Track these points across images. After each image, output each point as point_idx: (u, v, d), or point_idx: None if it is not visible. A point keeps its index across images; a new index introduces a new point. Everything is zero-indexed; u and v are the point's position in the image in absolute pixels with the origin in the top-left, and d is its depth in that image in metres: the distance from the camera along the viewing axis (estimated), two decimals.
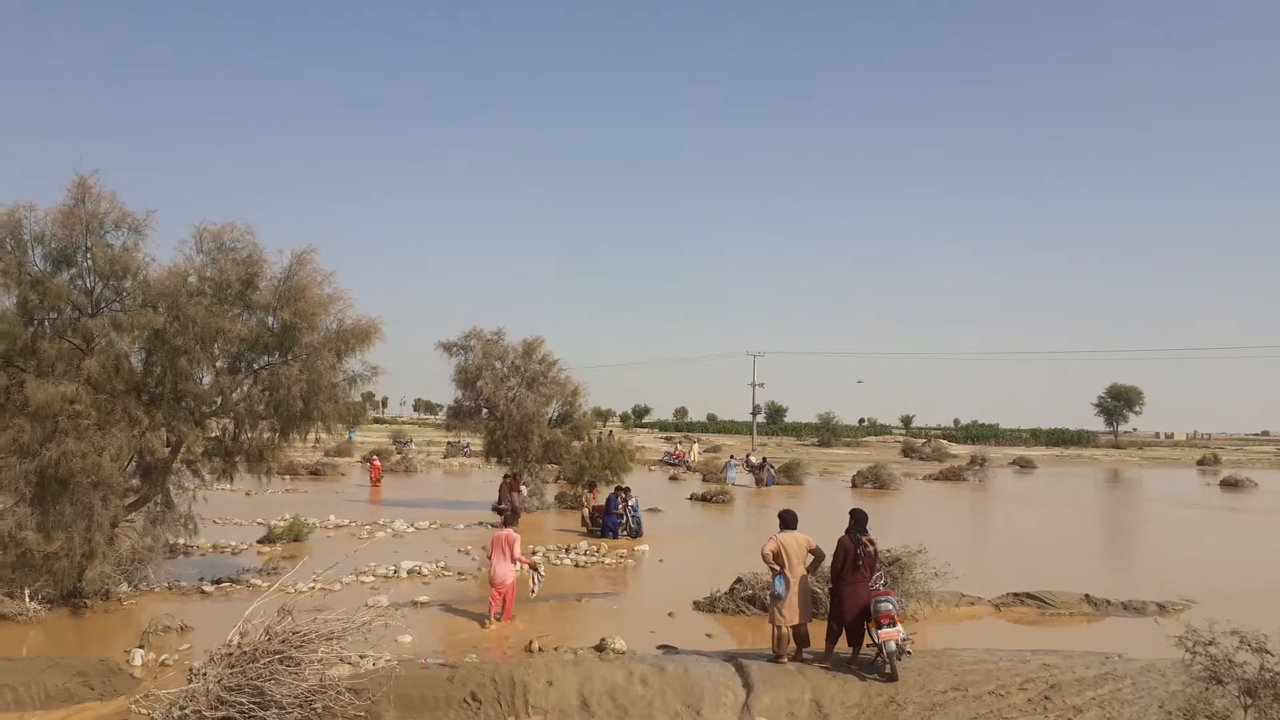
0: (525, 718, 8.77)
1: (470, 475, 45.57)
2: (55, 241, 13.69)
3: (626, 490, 23.35)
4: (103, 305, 14.21)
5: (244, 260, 14.55)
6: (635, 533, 22.54)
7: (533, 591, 13.99)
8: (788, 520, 10.72)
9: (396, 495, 33.23)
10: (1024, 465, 65.61)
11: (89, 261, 13.92)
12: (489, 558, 13.37)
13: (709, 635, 12.49)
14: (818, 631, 10.75)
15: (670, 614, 13.88)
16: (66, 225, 13.56)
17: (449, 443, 63.29)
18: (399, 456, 50.59)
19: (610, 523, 22.52)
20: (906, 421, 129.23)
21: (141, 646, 11.21)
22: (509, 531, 13.42)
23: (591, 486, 24.86)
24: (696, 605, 14.29)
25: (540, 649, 11.15)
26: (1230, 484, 48.46)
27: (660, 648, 11.37)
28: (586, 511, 23.69)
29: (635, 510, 22.86)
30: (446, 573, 17.11)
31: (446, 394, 31.10)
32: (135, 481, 14.70)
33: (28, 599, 12.81)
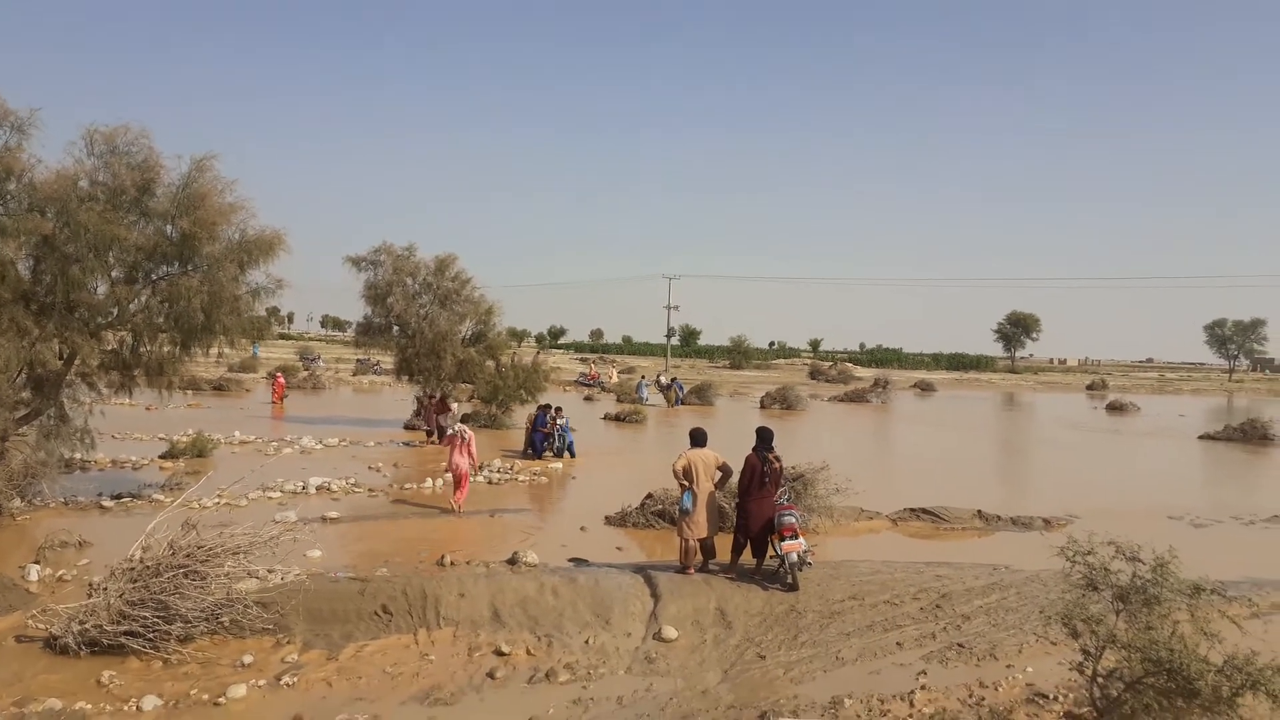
0: (436, 629, 8.88)
1: (380, 393, 44.96)
2: None
3: (557, 409, 23.02)
4: None
5: (139, 165, 13.79)
6: (560, 452, 22.26)
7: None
8: (697, 438, 10.96)
9: (304, 413, 32.61)
10: (925, 388, 68.11)
11: None
12: (450, 454, 15.42)
13: (619, 549, 12.79)
14: (724, 544, 11.12)
15: (582, 528, 14.12)
16: None
17: (358, 360, 62.13)
18: (306, 374, 49.51)
19: (537, 440, 22.26)
20: (815, 345, 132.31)
21: (37, 562, 10.91)
22: (465, 429, 15.73)
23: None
24: (608, 520, 14.57)
25: (453, 563, 11.25)
26: (1116, 408, 51.20)
27: (571, 560, 11.60)
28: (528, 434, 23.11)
29: (565, 430, 22.51)
30: (357, 489, 17.00)
31: (355, 310, 30.44)
32: (26, 394, 14.06)
33: None
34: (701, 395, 44.45)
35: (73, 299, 13.54)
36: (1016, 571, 11.64)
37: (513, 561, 11.22)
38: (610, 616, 9.32)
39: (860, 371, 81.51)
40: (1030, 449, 31.58)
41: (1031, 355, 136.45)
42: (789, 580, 10.18)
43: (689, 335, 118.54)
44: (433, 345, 27.33)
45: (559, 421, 22.54)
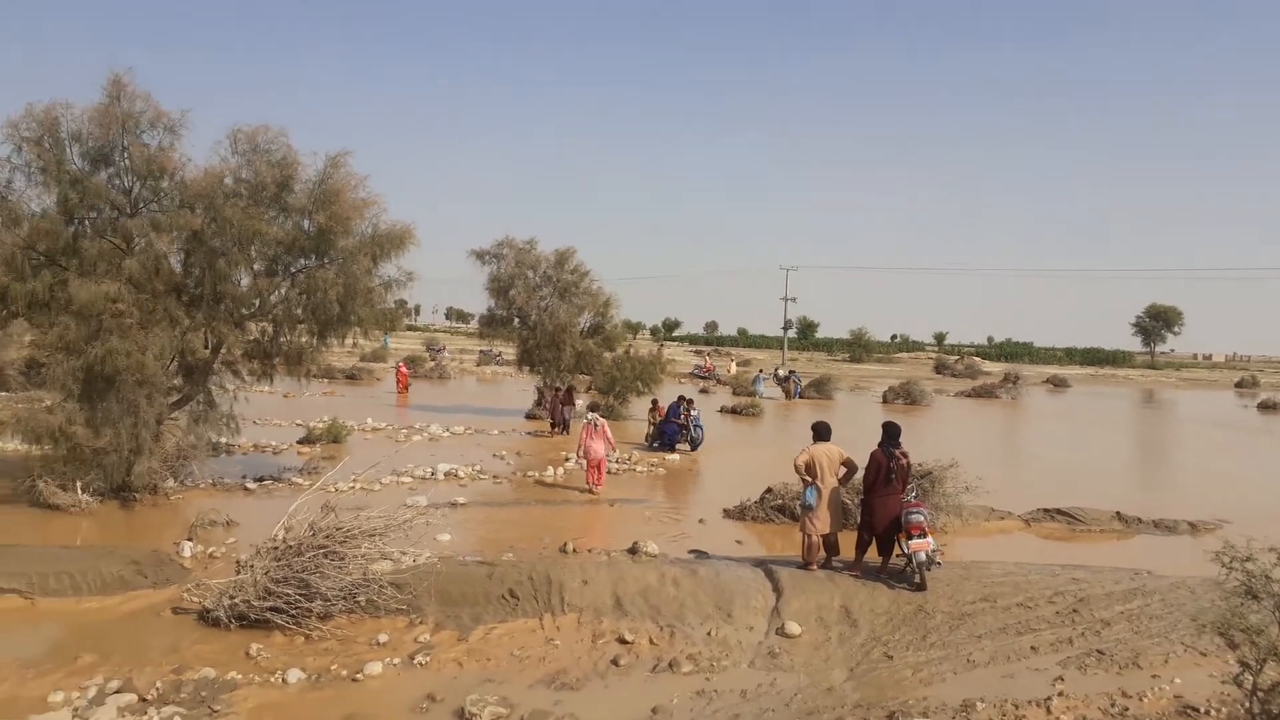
0: (560, 615, 9.00)
1: (502, 383, 46.02)
2: (93, 140, 13.68)
3: (690, 402, 22.71)
4: (141, 205, 14.26)
5: (278, 162, 14.47)
6: (695, 444, 21.89)
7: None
8: (821, 432, 10.75)
9: (430, 401, 33.67)
10: (1058, 384, 65.14)
11: (126, 161, 13.92)
12: (583, 440, 16.28)
13: (739, 542, 12.69)
14: (846, 541, 10.89)
15: (700, 521, 14.09)
16: (103, 123, 13.53)
17: (480, 351, 63.76)
18: (432, 363, 51.12)
19: (669, 431, 21.84)
20: (940, 338, 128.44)
21: (190, 539, 11.58)
22: (597, 416, 16.88)
23: (655, 404, 23.93)
24: (726, 513, 14.49)
25: (575, 550, 11.38)
26: (1268, 406, 47.85)
27: (691, 552, 11.57)
28: (650, 428, 22.95)
29: (697, 421, 22.11)
30: (482, 476, 17.43)
31: (479, 303, 31.25)
32: (178, 381, 14.99)
33: (80, 492, 13.23)
34: (820, 389, 43.76)
35: (219, 291, 14.33)
36: (1160, 577, 10.96)
37: (633, 551, 11.27)
38: (732, 609, 9.24)
39: (988, 366, 78.64)
40: (1173, 448, 29.83)
41: (1173, 350, 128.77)
42: (916, 580, 9.87)
43: (807, 327, 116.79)
44: (553, 336, 27.83)
45: (692, 413, 22.12)
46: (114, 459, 13.35)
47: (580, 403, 25.71)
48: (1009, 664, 8.31)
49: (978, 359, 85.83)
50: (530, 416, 28.72)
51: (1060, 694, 7.55)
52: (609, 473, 18.39)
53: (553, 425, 25.37)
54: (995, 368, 74.32)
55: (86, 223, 14.01)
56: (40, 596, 9.18)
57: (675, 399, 22.93)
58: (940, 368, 74.89)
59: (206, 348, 14.64)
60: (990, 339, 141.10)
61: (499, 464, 19.21)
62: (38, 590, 9.24)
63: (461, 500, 14.82)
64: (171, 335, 13.66)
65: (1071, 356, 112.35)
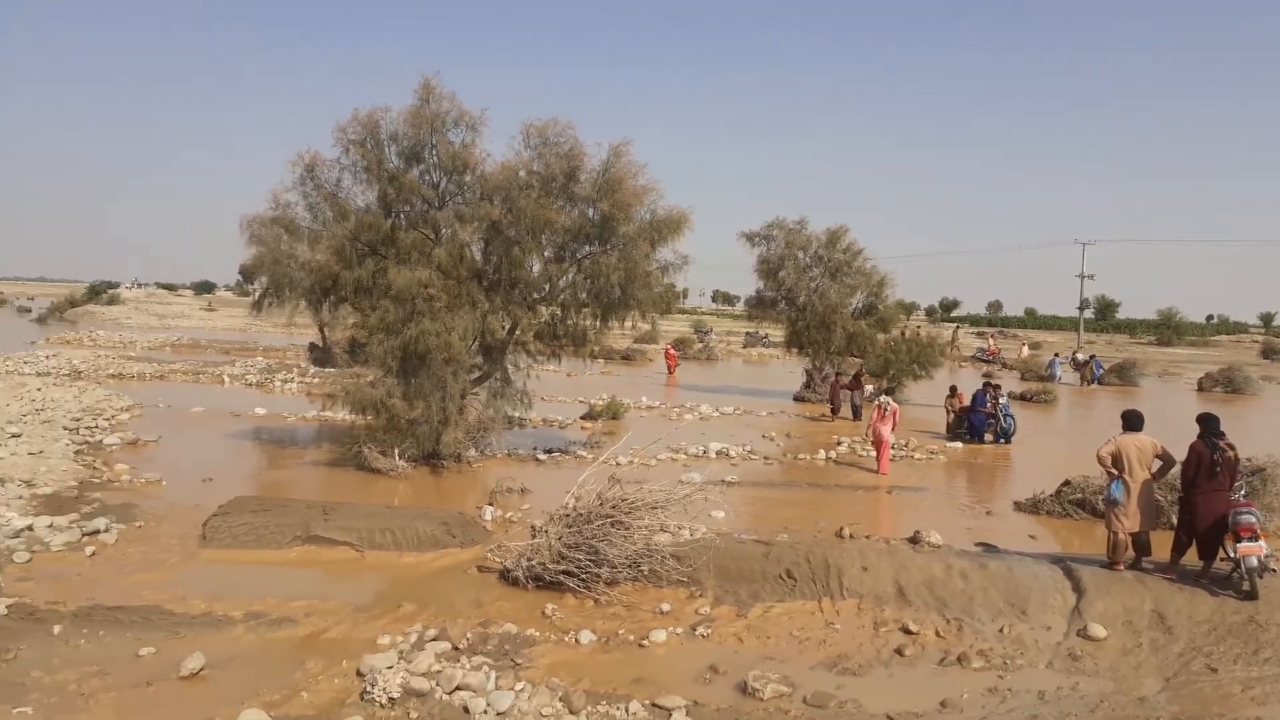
0: (840, 599, 8.88)
1: (769, 365, 46.04)
2: (406, 140, 15.20)
3: (996, 388, 21.01)
4: (446, 199, 15.66)
5: (566, 154, 15.29)
6: (1005, 435, 20.16)
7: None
8: (1131, 421, 9.79)
9: (699, 381, 34.36)
10: None
11: (434, 157, 15.33)
12: (873, 423, 16.69)
13: (1032, 537, 11.87)
14: (1159, 542, 9.87)
15: (988, 513, 13.35)
16: (414, 124, 14.97)
17: (747, 333, 64.11)
18: (700, 345, 52.10)
19: (977, 421, 20.30)
20: (1267, 320, 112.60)
21: (491, 504, 12.59)
22: (890, 400, 17.08)
23: (955, 390, 22.02)
24: (1017, 506, 13.60)
25: (852, 535, 11.16)
26: None
27: (979, 545, 10.98)
28: (951, 417, 21.28)
29: (1006, 409, 20.36)
30: (753, 456, 17.56)
31: (744, 285, 31.34)
32: (478, 359, 16.32)
33: (397, 458, 14.78)
34: (1123, 374, 39.78)
35: (514, 276, 15.44)
36: None
37: (914, 541, 10.85)
38: (1026, 607, 8.67)
39: None
40: None
41: None
42: (1245, 587, 8.74)
43: (1106, 307, 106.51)
44: (823, 318, 27.37)
45: (1000, 401, 20.43)
46: (425, 429, 14.79)
47: (869, 387, 24.88)
48: None
49: None
50: (799, 399, 28.49)
51: None
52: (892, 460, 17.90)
53: (832, 410, 24.72)
54: None
55: (401, 215, 15.59)
56: (368, 550, 10.35)
57: (980, 386, 21.38)
58: (1269, 352, 65.59)
59: (503, 329, 15.82)
60: None
61: (769, 445, 19.26)
62: (366, 544, 10.42)
63: (732, 479, 15.00)
64: (473, 317, 14.89)
65: None
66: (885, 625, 8.39)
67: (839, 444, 19.19)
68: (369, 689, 6.55)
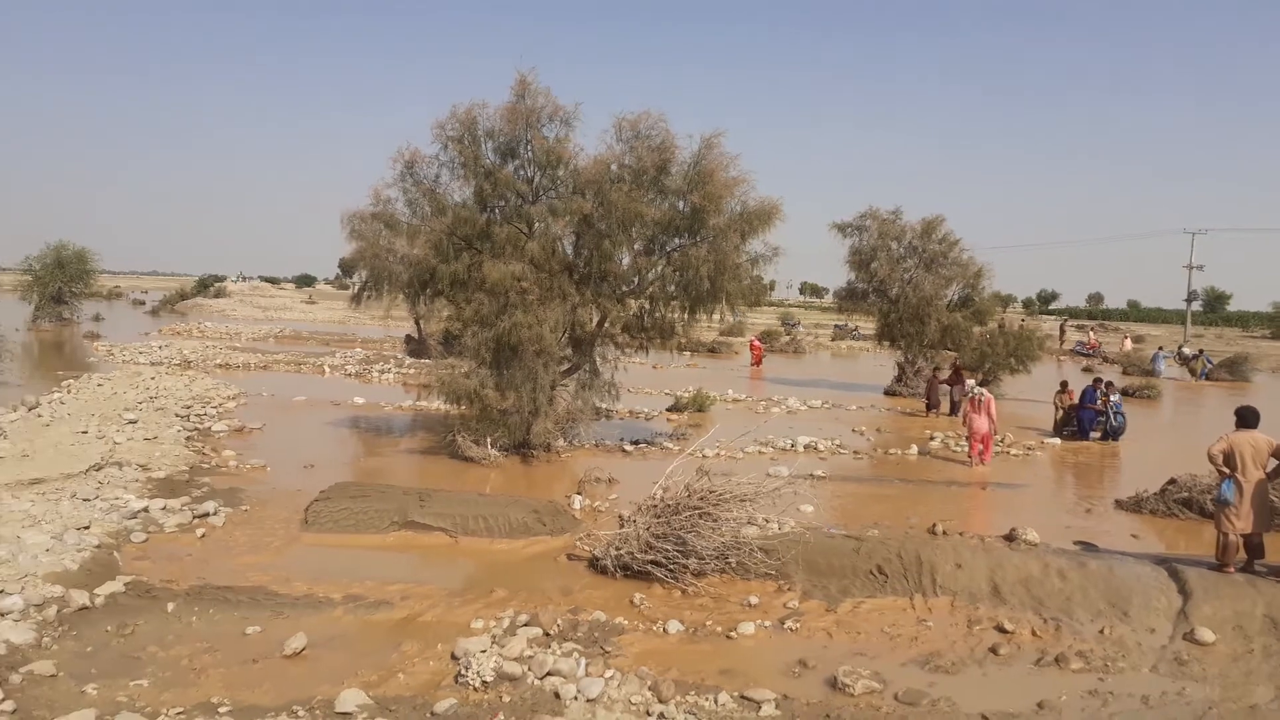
0: (932, 596, 8.74)
1: (858, 359, 45.34)
2: (502, 135, 15.46)
3: (1109, 384, 20.54)
4: (540, 193, 15.87)
5: (658, 147, 15.33)
6: (1115, 433, 19.53)
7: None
8: (1246, 418, 9.36)
9: (786, 374, 34.05)
10: None
11: (529, 153, 15.56)
12: (968, 414, 16.36)
13: (1135, 536, 11.44)
14: (1273, 545, 9.42)
15: (1088, 511, 12.93)
16: (510, 120, 15.22)
17: (835, 326, 63.28)
18: (788, 338, 51.63)
19: (1086, 418, 19.72)
20: None
21: (580, 493, 12.76)
22: (984, 391, 16.57)
23: (1065, 386, 21.29)
24: (1119, 505, 13.13)
25: (945, 532, 10.96)
26: None
27: (1077, 543, 10.65)
28: (1059, 414, 20.59)
29: (1118, 407, 19.70)
30: (841, 450, 17.35)
31: (832, 277, 30.88)
32: (568, 351, 16.52)
33: (489, 447, 15.10)
34: (1234, 370, 37.89)
35: (604, 269, 15.58)
36: None
37: (1010, 538, 10.61)
38: (1128, 608, 8.39)
39: None
40: None
41: None
42: None
43: (1215, 299, 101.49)
44: (916, 310, 26.84)
45: (1111, 398, 19.79)
46: (516, 419, 15.07)
47: (970, 382, 24.17)
48: None
49: None
50: (890, 393, 28.00)
51: None
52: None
53: (928, 407, 23.98)
54: None
55: (496, 210, 15.88)
56: (461, 536, 10.62)
57: (1091, 382, 20.69)
58: None
59: (593, 321, 15.99)
60: None
61: (858, 439, 19.00)
62: (459, 530, 10.69)
63: (820, 473, 14.86)
64: (564, 310, 15.09)
65: None
66: (979, 624, 8.23)
67: (931, 439, 18.82)
68: (463, 672, 6.73)
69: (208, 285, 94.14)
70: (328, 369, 30.10)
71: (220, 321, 56.04)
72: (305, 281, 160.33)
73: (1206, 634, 7.90)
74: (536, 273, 14.88)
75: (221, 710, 6.16)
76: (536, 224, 15.34)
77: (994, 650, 7.64)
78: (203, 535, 10.26)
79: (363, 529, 10.64)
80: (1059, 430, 20.14)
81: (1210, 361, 38.37)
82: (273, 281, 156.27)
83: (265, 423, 18.09)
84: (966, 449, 16.81)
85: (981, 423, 16.13)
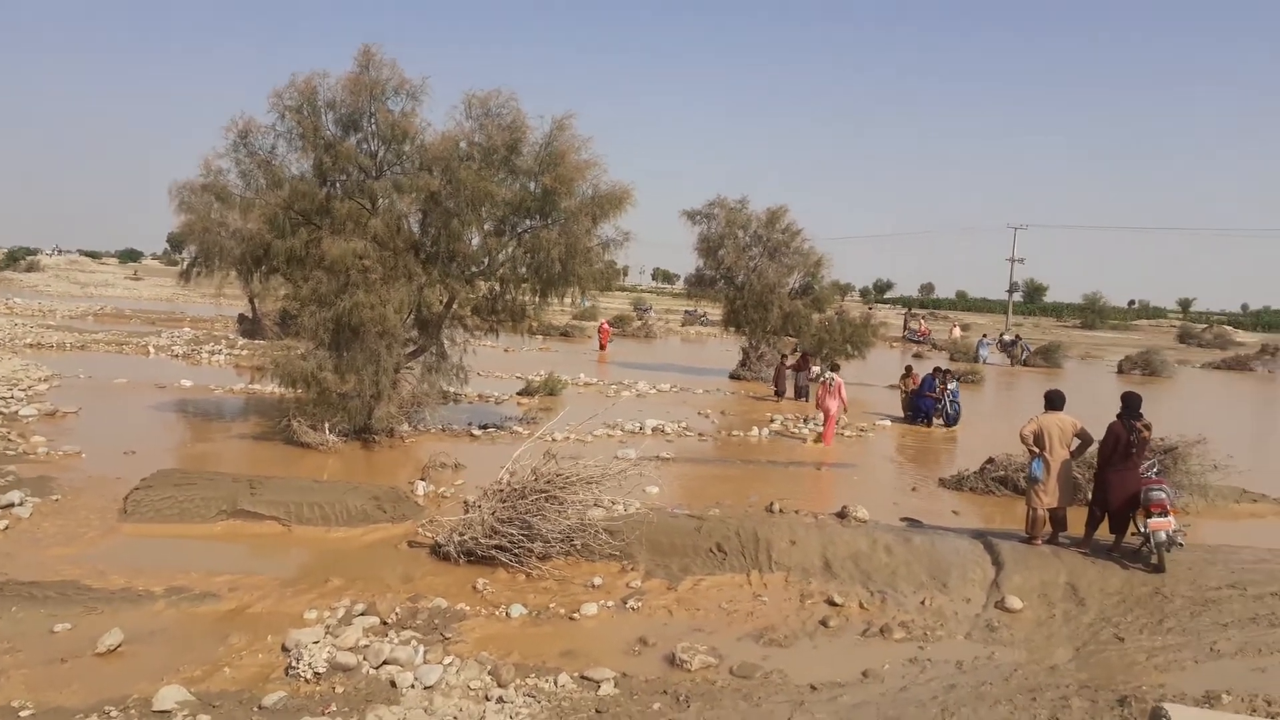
0: (768, 572, 9.05)
1: (706, 344, 46.35)
2: (344, 107, 14.87)
3: (947, 373, 21.35)
4: (384, 168, 15.37)
5: (508, 125, 15.11)
6: (951, 420, 20.38)
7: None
8: (1053, 401, 10.13)
9: (636, 359, 34.42)
10: None
11: (373, 126, 15.03)
12: (820, 396, 17.39)
13: (956, 513, 12.21)
14: (1075, 519, 10.25)
15: (913, 489, 13.69)
16: (353, 91, 14.65)
17: (685, 311, 64.41)
18: (640, 323, 52.18)
19: (924, 405, 20.43)
20: (1185, 305, 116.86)
21: (423, 479, 12.50)
22: (835, 375, 17.50)
23: (910, 371, 22.16)
24: (942, 483, 13.97)
25: (781, 510, 11.36)
26: None
27: (904, 520, 11.27)
28: (904, 396, 21.35)
29: (955, 395, 20.51)
30: (688, 433, 17.71)
31: (683, 264, 31.43)
32: (414, 333, 16.12)
33: (327, 432, 14.57)
34: (1048, 356, 41.03)
35: (452, 249, 15.26)
36: None
37: (842, 515, 11.09)
38: (947, 580, 8.95)
39: (1241, 336, 70.87)
40: None
41: None
42: (1154, 560, 9.16)
43: (1034, 291, 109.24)
44: (760, 297, 27.63)
45: (949, 386, 20.66)
46: (357, 403, 14.60)
47: (815, 368, 24.95)
48: (1261, 657, 7.55)
49: (1229, 328, 77.31)
50: (735, 377, 28.76)
51: None
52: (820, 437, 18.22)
53: (777, 394, 24.43)
54: (1250, 338, 66.95)
55: (337, 185, 15.28)
56: (295, 524, 10.23)
57: (930, 371, 21.64)
58: (1185, 337, 68.15)
59: (440, 303, 15.64)
60: (1245, 306, 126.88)
61: (704, 422, 19.43)
62: (293, 519, 10.29)
63: (668, 455, 15.12)
64: (409, 290, 14.69)
65: None
66: (811, 597, 8.59)
67: (772, 421, 19.47)
68: (294, 664, 6.50)
69: (18, 258, 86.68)
70: (152, 349, 28.26)
71: (32, 298, 51.66)
72: (130, 257, 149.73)
73: (1015, 602, 8.51)
74: (380, 250, 14.42)
75: (23, 714, 5.75)
76: (381, 200, 14.83)
77: (824, 623, 8.00)
78: (6, 528, 9.47)
79: (188, 518, 10.09)
80: (908, 413, 21.00)
81: (1027, 348, 41.37)
82: (94, 256, 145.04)
83: (81, 406, 16.82)
84: (821, 429, 17.46)
85: (831, 404, 17.05)
